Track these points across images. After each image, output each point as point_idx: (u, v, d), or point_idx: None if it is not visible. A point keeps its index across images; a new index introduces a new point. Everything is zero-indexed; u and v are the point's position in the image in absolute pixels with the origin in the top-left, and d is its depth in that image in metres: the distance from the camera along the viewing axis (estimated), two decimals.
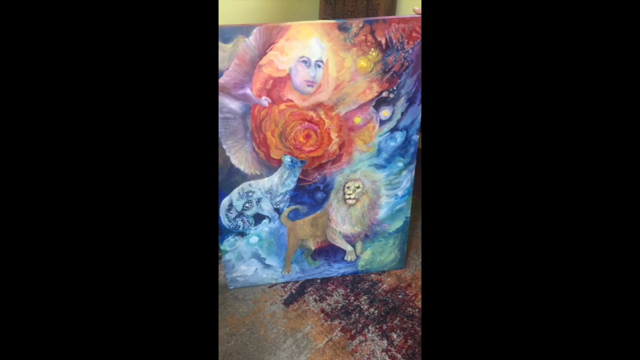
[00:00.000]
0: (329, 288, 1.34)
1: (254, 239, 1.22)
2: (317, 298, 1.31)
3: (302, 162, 1.10)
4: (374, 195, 1.21)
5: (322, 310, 1.27)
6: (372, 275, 1.38)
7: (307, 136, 1.06)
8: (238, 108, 0.98)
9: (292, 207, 1.18)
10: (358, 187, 1.18)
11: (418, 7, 1.01)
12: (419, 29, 0.96)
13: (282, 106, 1.00)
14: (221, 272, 1.35)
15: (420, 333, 1.19)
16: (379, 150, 1.12)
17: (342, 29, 0.94)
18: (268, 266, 1.30)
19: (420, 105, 1.07)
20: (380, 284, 1.35)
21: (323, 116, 1.04)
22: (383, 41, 0.97)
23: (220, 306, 1.26)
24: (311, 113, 1.03)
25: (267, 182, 1.12)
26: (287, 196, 1.16)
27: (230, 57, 0.92)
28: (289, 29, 0.92)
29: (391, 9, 1.75)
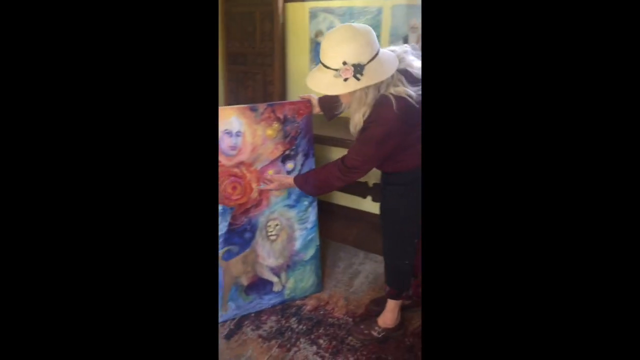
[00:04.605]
0: (262, 318, 1.57)
1: None
2: (254, 328, 1.52)
3: (231, 208, 1.41)
4: (290, 230, 1.55)
5: (260, 336, 1.48)
6: (297, 301, 1.66)
7: (234, 187, 1.40)
8: None
9: (226, 248, 1.45)
10: (277, 225, 1.52)
11: (302, 94, 1.49)
12: (304, 108, 1.43)
13: None
14: None
15: (341, 335, 1.49)
16: (289, 194, 1.50)
17: (253, 110, 1.36)
18: None
19: (313, 158, 1.50)
20: (304, 307, 1.63)
21: (245, 171, 1.39)
22: (281, 117, 1.40)
23: None
24: (235, 169, 1.38)
25: None
26: (221, 239, 1.43)
27: None
28: None
29: (283, 94, 2.27)
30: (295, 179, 1.36)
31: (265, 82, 2.30)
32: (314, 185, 1.32)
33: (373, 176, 2.13)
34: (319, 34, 2.10)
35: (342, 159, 1.22)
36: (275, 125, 1.40)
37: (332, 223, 2.23)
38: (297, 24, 2.14)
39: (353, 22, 1.99)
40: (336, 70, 1.04)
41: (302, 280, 1.65)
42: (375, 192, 2.15)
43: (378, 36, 1.95)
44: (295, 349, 1.43)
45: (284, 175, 1.43)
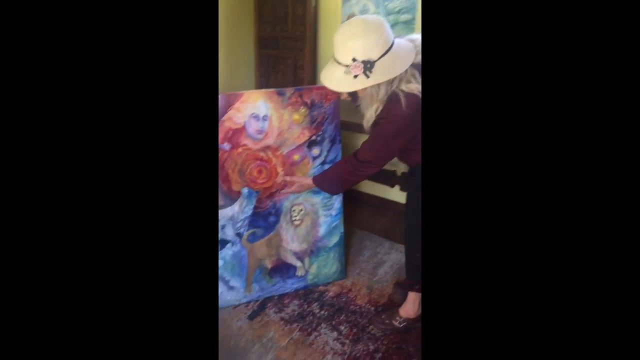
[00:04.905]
0: (285, 301, 1.59)
1: (219, 262, 1.47)
2: (277, 310, 1.55)
3: (256, 192, 1.43)
4: (314, 216, 1.55)
5: (282, 319, 1.51)
6: (320, 287, 1.67)
7: (260, 171, 1.40)
8: None
9: (251, 230, 1.47)
10: (301, 210, 1.52)
11: None
12: (332, 93, 1.40)
13: (240, 149, 1.34)
14: None
15: (362, 323, 1.48)
16: None
17: (280, 94, 1.35)
18: (232, 288, 1.52)
19: (340, 144, 1.48)
20: (327, 293, 1.64)
21: (271, 155, 1.40)
22: (309, 101, 1.39)
23: None
24: (262, 153, 1.38)
25: (229, 211, 1.41)
26: (246, 222, 1.45)
27: None
28: (242, 95, 1.30)
29: (313, 79, 2.25)
30: (314, 179, 1.36)
31: (296, 67, 2.28)
32: (330, 183, 1.31)
33: (402, 165, 2.08)
34: (351, 17, 2.04)
35: (355, 153, 1.21)
36: (302, 110, 1.39)
37: (358, 211, 2.21)
38: (330, 7, 2.09)
39: (387, 4, 1.92)
40: (346, 66, 1.01)
41: (325, 267, 1.65)
42: (403, 181, 2.10)
43: (413, 19, 1.88)
44: (315, 333, 1.44)
45: (304, 177, 1.43)
